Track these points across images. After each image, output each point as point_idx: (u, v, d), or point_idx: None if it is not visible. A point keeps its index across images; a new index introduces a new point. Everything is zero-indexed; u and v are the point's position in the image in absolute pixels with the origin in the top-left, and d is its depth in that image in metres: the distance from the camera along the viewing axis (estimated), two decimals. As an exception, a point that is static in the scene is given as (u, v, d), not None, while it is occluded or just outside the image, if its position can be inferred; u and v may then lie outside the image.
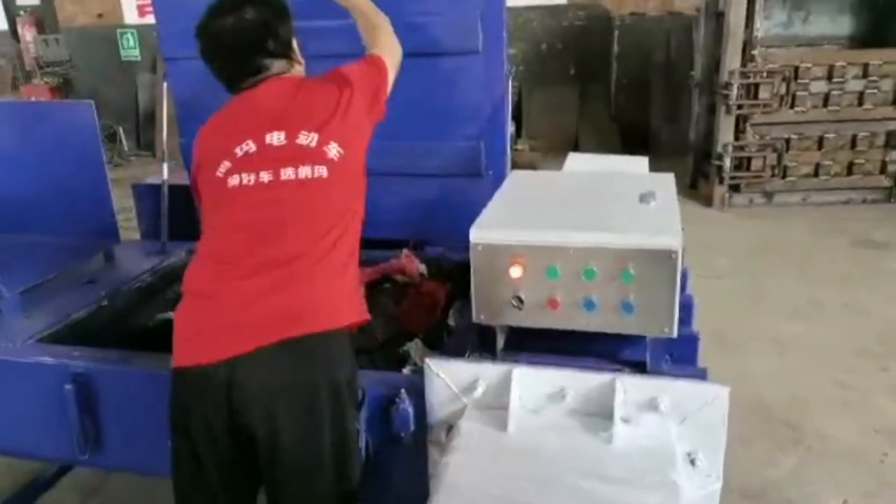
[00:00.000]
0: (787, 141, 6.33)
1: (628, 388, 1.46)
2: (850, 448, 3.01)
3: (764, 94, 6.16)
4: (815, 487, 2.79)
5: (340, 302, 1.63)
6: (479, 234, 1.65)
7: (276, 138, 1.68)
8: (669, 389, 1.44)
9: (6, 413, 1.99)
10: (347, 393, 1.59)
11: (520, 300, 1.62)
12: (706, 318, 1.96)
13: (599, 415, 1.47)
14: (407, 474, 1.67)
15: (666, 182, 2.01)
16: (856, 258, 5.19)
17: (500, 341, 1.73)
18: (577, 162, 2.76)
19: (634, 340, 1.69)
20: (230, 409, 1.53)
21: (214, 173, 1.70)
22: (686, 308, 1.91)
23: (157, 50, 8.57)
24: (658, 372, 1.63)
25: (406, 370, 1.94)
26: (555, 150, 7.39)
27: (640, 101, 8.38)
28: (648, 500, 1.22)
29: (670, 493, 1.25)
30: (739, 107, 6.19)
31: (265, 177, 1.65)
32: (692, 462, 1.41)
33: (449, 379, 1.58)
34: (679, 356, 1.78)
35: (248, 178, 1.66)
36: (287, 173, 1.65)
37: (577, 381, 1.51)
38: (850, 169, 6.39)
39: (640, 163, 2.70)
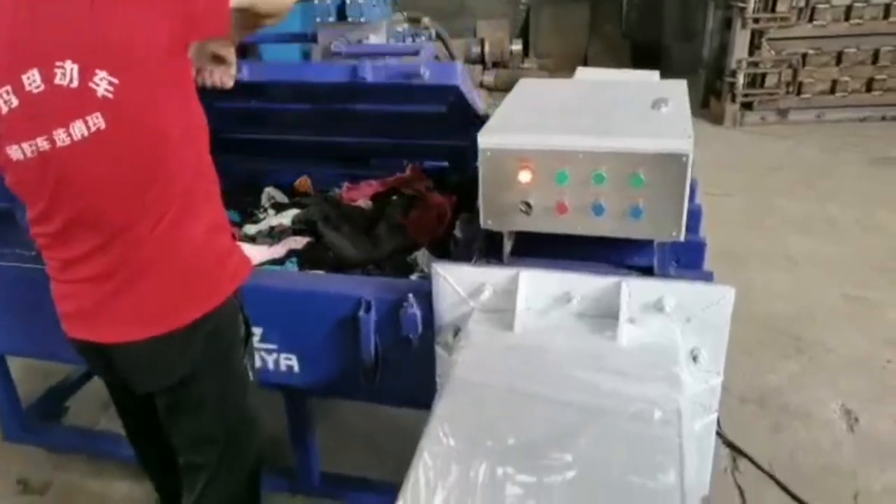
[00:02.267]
0: (804, 56, 6.16)
1: (634, 290, 1.47)
2: (854, 357, 3.06)
3: (782, 6, 5.95)
4: (814, 392, 2.85)
5: (197, 287, 1.47)
6: (488, 138, 1.62)
7: (32, 80, 1.26)
8: (675, 291, 1.46)
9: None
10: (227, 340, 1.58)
11: (528, 205, 1.61)
12: (714, 235, 1.96)
13: (605, 316, 1.48)
14: (416, 375, 1.71)
15: (678, 89, 1.97)
16: (872, 176, 5.12)
17: (508, 247, 1.73)
18: (586, 75, 2.70)
19: (642, 246, 1.69)
20: (116, 374, 1.57)
21: None
22: (694, 216, 1.90)
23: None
24: (665, 276, 1.64)
25: (413, 277, 1.96)
26: (563, 68, 7.22)
27: (652, 17, 8.11)
28: (651, 391, 1.25)
29: (672, 385, 1.28)
30: (756, 20, 6.00)
31: (43, 144, 1.28)
32: (694, 358, 1.44)
33: (456, 283, 1.60)
34: (686, 262, 1.78)
35: (27, 150, 1.30)
36: (61, 136, 1.27)
37: (584, 284, 1.52)
38: (869, 85, 6.23)
39: (651, 76, 2.64)
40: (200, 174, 1.45)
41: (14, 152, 1.31)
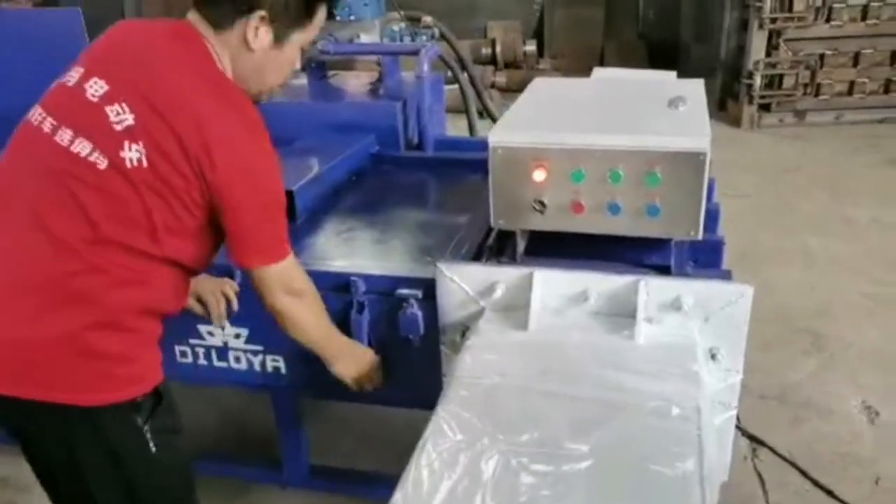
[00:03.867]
0: (821, 57, 6.10)
1: (652, 289, 1.46)
2: (873, 353, 3.03)
3: (799, 6, 5.90)
4: (835, 388, 2.83)
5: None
6: (500, 136, 1.61)
7: (95, 87, 1.32)
8: (693, 289, 1.44)
9: None
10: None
11: (542, 204, 1.60)
12: (731, 236, 1.95)
13: (622, 315, 1.47)
14: (417, 375, 1.71)
15: (695, 88, 1.95)
16: (890, 176, 5.07)
17: (521, 245, 1.72)
18: (603, 75, 2.69)
19: (658, 245, 1.67)
20: None
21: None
22: (711, 216, 1.89)
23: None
24: (682, 275, 1.62)
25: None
26: (578, 69, 7.18)
27: (669, 17, 8.07)
28: (669, 388, 1.23)
29: (691, 383, 1.27)
30: (773, 21, 5.94)
31: (47, 124, 1.33)
32: (713, 357, 1.42)
33: (464, 283, 1.58)
34: (704, 261, 1.77)
35: (42, 119, 1.34)
36: (65, 136, 1.30)
37: (600, 283, 1.50)
38: (887, 86, 6.16)
39: (669, 76, 2.62)
40: (146, 280, 1.35)
41: (34, 113, 1.35)
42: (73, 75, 1.36)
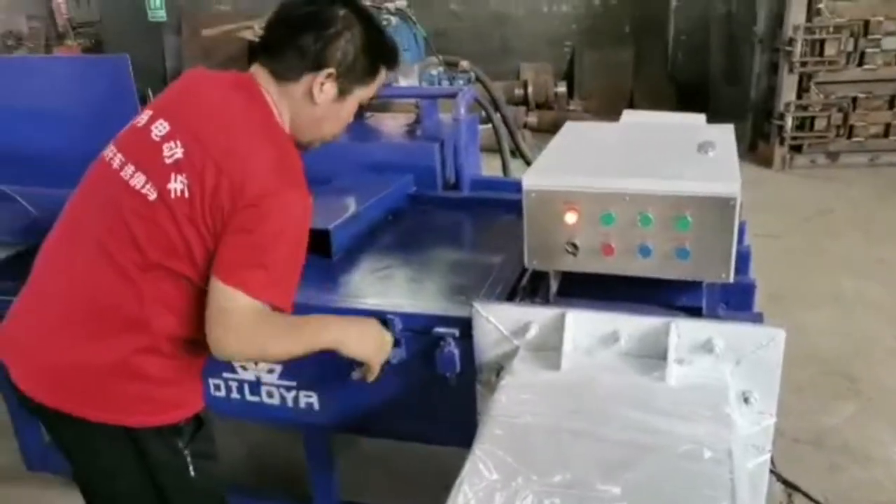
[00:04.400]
0: (854, 100, 6.08)
1: (683, 330, 1.47)
2: (914, 398, 2.97)
3: (830, 50, 5.91)
4: (873, 434, 2.78)
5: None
6: (533, 180, 1.65)
7: (160, 128, 1.42)
8: (724, 332, 1.45)
9: None
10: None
11: (574, 246, 1.63)
12: (763, 277, 1.95)
13: (653, 357, 1.48)
14: (452, 413, 1.73)
15: (725, 132, 1.98)
16: (924, 219, 5.01)
17: (554, 286, 1.75)
18: (632, 118, 2.73)
19: (690, 287, 1.69)
20: None
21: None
22: (743, 259, 1.90)
23: (181, 10, 8.54)
24: (714, 317, 1.63)
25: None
26: (608, 110, 7.25)
27: (698, 59, 8.12)
28: (701, 430, 1.24)
29: (723, 425, 1.27)
30: (803, 64, 5.96)
31: (117, 160, 1.45)
32: (746, 400, 1.42)
33: (498, 322, 1.61)
34: (735, 304, 1.77)
35: (113, 156, 1.47)
36: (128, 171, 1.41)
37: (631, 325, 1.52)
38: (923, 129, 6.12)
39: (698, 119, 2.65)
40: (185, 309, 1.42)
41: (108, 150, 1.47)
42: (143, 117, 1.47)
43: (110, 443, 1.44)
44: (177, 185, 1.35)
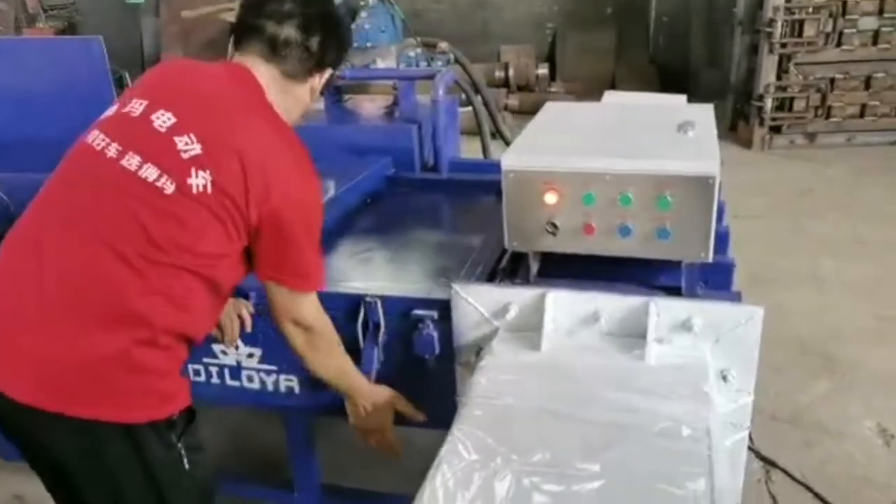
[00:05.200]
0: (832, 81, 6.13)
1: (662, 310, 1.48)
2: (887, 376, 3.02)
3: (809, 31, 5.94)
4: (847, 410, 2.82)
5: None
6: (512, 160, 1.64)
7: (162, 119, 1.40)
8: (703, 310, 1.46)
9: None
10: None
11: (554, 226, 1.63)
12: (742, 257, 1.96)
13: (633, 336, 1.49)
14: (431, 395, 1.73)
15: (704, 111, 1.98)
16: (903, 198, 5.06)
17: (534, 267, 1.74)
18: (613, 99, 2.73)
19: (669, 267, 1.69)
20: None
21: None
22: (722, 238, 1.91)
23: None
24: (693, 296, 1.64)
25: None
26: (590, 93, 7.24)
27: (680, 42, 8.13)
28: (679, 409, 1.25)
29: (701, 403, 1.28)
30: (783, 45, 5.99)
31: (111, 150, 1.40)
32: (724, 378, 1.44)
33: (478, 304, 1.61)
34: (714, 283, 1.78)
35: (101, 140, 1.42)
36: (132, 161, 1.38)
37: (611, 304, 1.52)
38: (898, 110, 6.17)
39: (679, 100, 2.66)
40: (190, 302, 1.42)
41: (94, 137, 1.42)
42: (135, 105, 1.44)
43: (110, 442, 1.38)
44: (198, 180, 1.35)
